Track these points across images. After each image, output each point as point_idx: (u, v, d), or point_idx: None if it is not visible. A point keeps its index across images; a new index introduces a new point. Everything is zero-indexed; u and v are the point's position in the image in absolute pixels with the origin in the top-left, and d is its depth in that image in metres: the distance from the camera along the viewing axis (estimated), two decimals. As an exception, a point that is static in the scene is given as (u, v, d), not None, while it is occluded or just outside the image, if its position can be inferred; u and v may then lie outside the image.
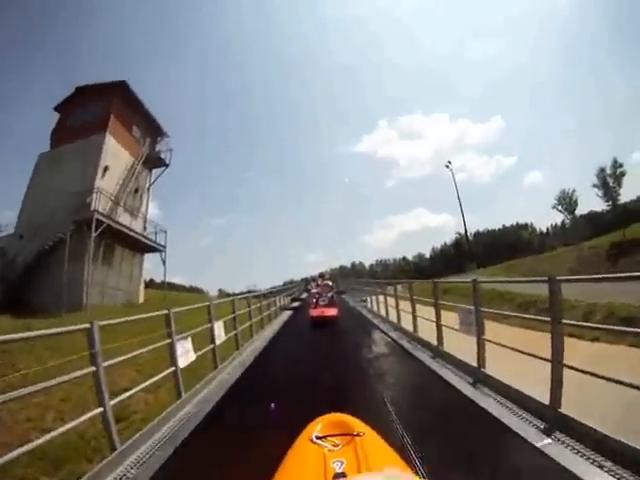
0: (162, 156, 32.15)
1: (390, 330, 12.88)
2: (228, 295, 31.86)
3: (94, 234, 22.02)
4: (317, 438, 2.19)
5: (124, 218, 26.69)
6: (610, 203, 60.58)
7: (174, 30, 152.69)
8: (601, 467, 3.44)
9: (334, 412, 2.69)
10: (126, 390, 5.79)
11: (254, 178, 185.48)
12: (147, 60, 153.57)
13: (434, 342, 8.77)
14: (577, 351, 6.65)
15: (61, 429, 4.05)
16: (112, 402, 4.73)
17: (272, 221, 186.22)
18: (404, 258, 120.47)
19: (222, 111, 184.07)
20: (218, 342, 8.76)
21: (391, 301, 14.69)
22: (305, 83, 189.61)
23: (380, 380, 7.43)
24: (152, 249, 30.08)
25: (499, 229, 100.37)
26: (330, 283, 22.03)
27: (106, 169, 25.45)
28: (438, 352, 8.41)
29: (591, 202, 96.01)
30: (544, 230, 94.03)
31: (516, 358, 5.61)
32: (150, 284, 40.48)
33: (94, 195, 23.31)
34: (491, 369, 6.28)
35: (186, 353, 6.94)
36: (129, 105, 28.86)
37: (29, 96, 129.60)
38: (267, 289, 24.10)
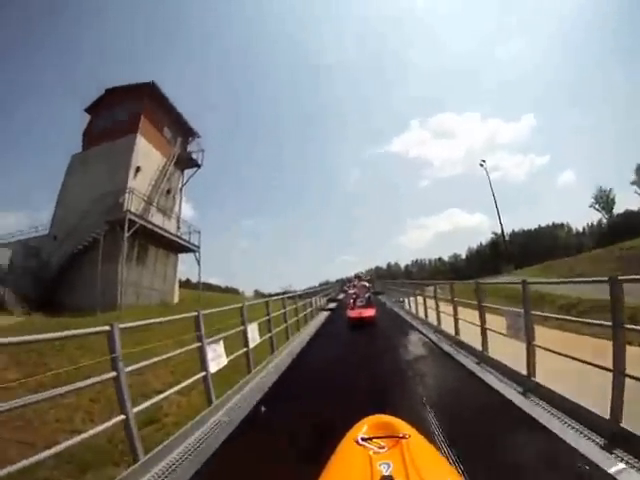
0: (194, 156, 32.52)
1: (430, 332, 12.42)
2: (264, 296, 31.79)
3: (127, 234, 22.17)
4: (362, 440, 2.11)
5: (157, 218, 27.00)
6: None
7: (200, 31, 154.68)
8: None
9: (378, 413, 2.58)
10: (159, 392, 5.66)
11: (288, 179, 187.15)
12: (175, 61, 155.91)
13: (477, 346, 8.33)
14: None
15: (84, 435, 3.79)
16: (138, 408, 4.48)
17: (307, 222, 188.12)
18: (440, 259, 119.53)
19: (254, 113, 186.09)
20: (252, 345, 8.41)
21: (430, 302, 14.29)
22: (334, 83, 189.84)
23: (421, 382, 7.10)
24: (186, 249, 30.41)
25: (535, 229, 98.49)
26: (367, 284, 21.67)
27: (138, 169, 25.76)
28: (482, 357, 7.96)
29: (629, 201, 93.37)
30: (580, 230, 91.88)
31: (563, 364, 5.28)
32: (186, 284, 40.82)
33: (126, 195, 23.50)
34: (541, 376, 5.83)
35: (218, 357, 6.61)
36: (159, 106, 29.19)
37: (58, 97, 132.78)
38: (303, 290, 23.70)
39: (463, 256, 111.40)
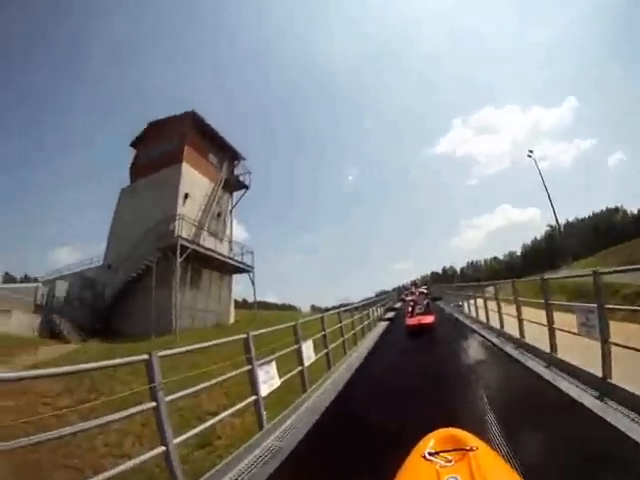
0: (241, 179, 32.97)
1: (492, 336, 11.82)
2: (321, 310, 31.67)
3: (179, 259, 22.41)
4: (429, 455, 2.03)
5: (209, 242, 27.41)
6: None
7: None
8: None
9: (444, 427, 2.47)
10: (212, 414, 5.77)
11: (336, 192, 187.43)
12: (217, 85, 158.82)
13: (545, 349, 7.69)
14: None
15: (129, 463, 3.61)
16: (180, 438, 4.17)
17: (360, 232, 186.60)
18: (495, 258, 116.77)
19: (304, 124, 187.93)
20: (307, 363, 7.99)
21: (490, 304, 13.60)
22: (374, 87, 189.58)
23: (485, 390, 6.54)
24: (240, 270, 30.65)
25: (589, 217, 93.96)
26: (425, 290, 21.16)
27: (186, 196, 26.33)
28: (552, 360, 7.32)
29: None
30: (635, 213, 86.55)
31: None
32: (243, 305, 40.93)
33: (177, 222, 23.92)
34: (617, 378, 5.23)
35: (270, 379, 6.26)
36: (202, 133, 29.69)
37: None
38: (359, 301, 23.37)
39: (518, 253, 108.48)
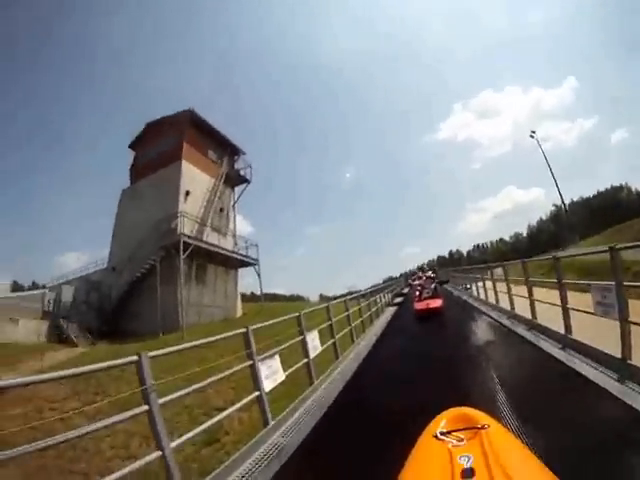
0: (242, 173, 32.94)
1: (502, 318, 11.45)
2: (329, 299, 31.45)
3: (183, 256, 22.38)
4: (441, 434, 2.06)
5: (212, 237, 27.43)
6: None
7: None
8: None
9: (456, 406, 2.49)
10: (219, 410, 5.39)
11: (338, 183, 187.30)
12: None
13: (559, 330, 7.34)
14: None
15: (124, 470, 3.31)
16: (177, 442, 3.96)
17: (365, 221, 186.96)
18: (501, 239, 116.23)
19: (307, 116, 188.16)
20: (313, 355, 7.67)
21: (499, 286, 13.30)
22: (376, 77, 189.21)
23: (499, 375, 6.16)
24: (245, 264, 30.63)
25: (594, 195, 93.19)
26: (432, 274, 20.96)
27: (187, 193, 26.32)
28: (566, 341, 6.96)
29: None
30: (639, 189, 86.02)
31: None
32: (251, 298, 40.87)
33: (178, 219, 23.86)
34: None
35: (273, 374, 5.95)
36: (200, 130, 29.59)
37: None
38: (367, 288, 23.21)
39: (524, 234, 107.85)
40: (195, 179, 27.57)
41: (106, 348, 19.59)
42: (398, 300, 26.38)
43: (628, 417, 3.93)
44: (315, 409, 6.35)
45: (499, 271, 14.19)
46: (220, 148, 31.70)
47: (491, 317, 12.37)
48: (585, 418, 4.07)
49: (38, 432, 6.26)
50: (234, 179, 32.33)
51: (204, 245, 25.10)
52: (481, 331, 10.63)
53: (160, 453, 3.65)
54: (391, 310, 21.61)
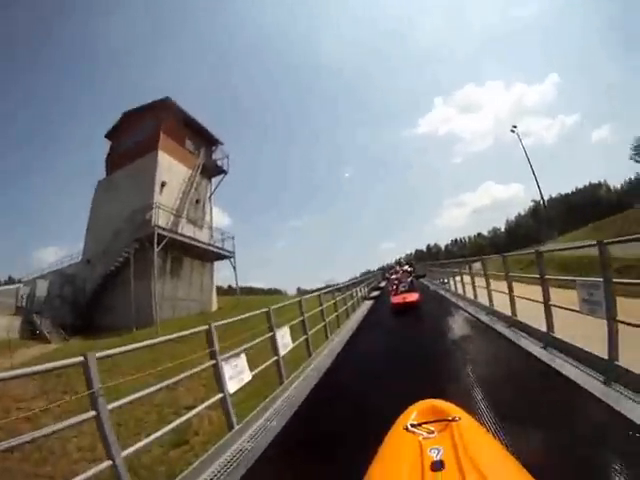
0: (219, 164, 32.37)
1: (481, 314, 11.11)
2: (307, 292, 31.10)
3: (157, 249, 21.93)
4: (412, 426, 2.01)
5: (188, 229, 26.87)
6: None
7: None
8: None
9: (427, 398, 2.45)
10: (188, 409, 5.09)
11: (321, 176, 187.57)
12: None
13: (540, 327, 7.02)
14: None
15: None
16: (129, 450, 3.59)
17: (343, 215, 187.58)
18: (479, 234, 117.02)
19: (287, 113, 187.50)
20: (283, 352, 7.27)
21: (478, 281, 13.07)
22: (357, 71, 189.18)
23: (478, 378, 5.78)
24: (221, 256, 30.14)
25: (572, 192, 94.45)
26: (409, 268, 20.83)
27: (163, 184, 25.80)
28: (548, 340, 6.64)
29: None
30: (618, 187, 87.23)
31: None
32: (227, 291, 40.48)
33: (153, 211, 23.36)
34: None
35: (239, 374, 5.54)
36: (177, 120, 28.97)
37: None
38: (344, 282, 23.07)
39: (502, 229, 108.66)
40: (171, 170, 26.98)
41: (80, 344, 19.16)
42: (375, 294, 26.32)
43: (612, 422, 3.69)
44: (285, 409, 6.02)
45: (477, 265, 13.94)
46: (197, 138, 31.15)
47: (469, 313, 12.08)
48: (564, 421, 3.85)
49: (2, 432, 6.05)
50: (211, 170, 31.77)
51: (179, 237, 24.62)
52: (458, 327, 10.35)
53: (110, 462, 3.29)
54: (368, 304, 21.49)
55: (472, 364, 6.60)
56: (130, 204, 24.20)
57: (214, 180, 32.86)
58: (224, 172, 32.45)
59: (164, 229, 23.21)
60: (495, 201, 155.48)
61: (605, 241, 4.74)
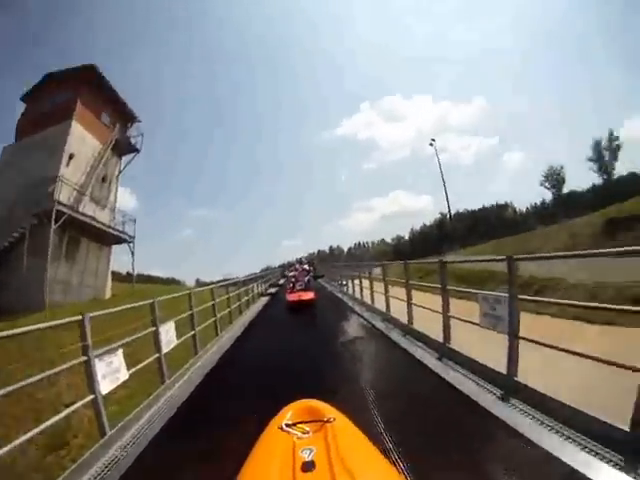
0: (133, 142, 30.21)
1: (377, 320, 10.82)
2: (205, 284, 30.23)
3: (54, 226, 20.18)
4: (287, 426, 2.05)
5: (89, 208, 24.80)
6: (605, 177, 59.70)
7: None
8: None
9: (304, 398, 2.52)
10: (67, 406, 4.34)
11: (234, 167, 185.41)
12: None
13: (437, 338, 6.83)
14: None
15: None
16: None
17: (251, 210, 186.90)
18: (382, 240, 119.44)
19: (202, 103, 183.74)
20: (167, 349, 6.65)
21: (377, 286, 12.87)
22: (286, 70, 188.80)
23: (369, 386, 5.49)
24: (120, 240, 28.17)
25: (479, 209, 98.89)
26: (307, 267, 20.86)
27: (71, 157, 23.74)
28: (444, 351, 6.46)
29: (573, 180, 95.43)
30: (523, 210, 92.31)
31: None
32: (126, 277, 39.03)
33: (57, 184, 21.40)
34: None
35: (114, 372, 4.87)
36: (99, 90, 26.87)
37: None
38: (244, 276, 22.76)
39: (407, 237, 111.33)
40: (83, 142, 24.85)
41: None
42: (273, 290, 26.14)
43: (508, 442, 3.53)
44: (165, 410, 5.49)
45: (377, 271, 14.03)
46: (115, 112, 28.93)
47: (364, 318, 11.76)
48: (454, 440, 3.63)
49: None
50: (123, 147, 29.51)
51: (80, 216, 22.75)
52: (352, 331, 10.03)
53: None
54: (264, 300, 21.27)
55: (358, 368, 6.57)
56: (34, 175, 21.98)
57: (125, 159, 30.72)
58: (137, 150, 30.37)
59: (65, 205, 21.40)
60: (404, 210, 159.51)
61: (515, 257, 4.66)
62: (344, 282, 22.11)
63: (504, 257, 4.72)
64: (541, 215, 73.20)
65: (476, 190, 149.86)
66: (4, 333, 3.52)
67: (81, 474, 3.79)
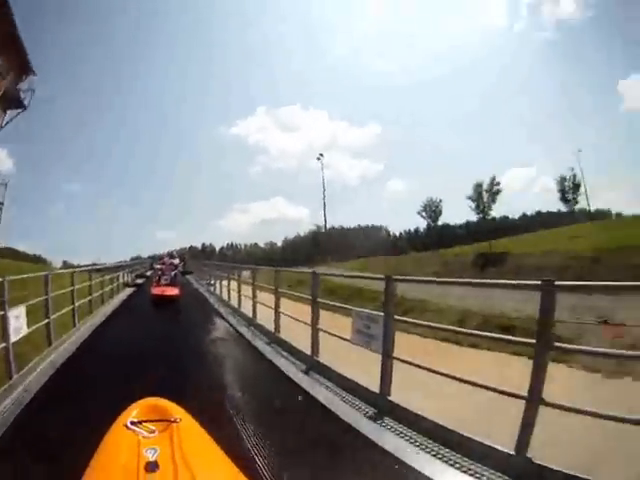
0: (22, 96, 26.74)
1: (241, 325, 10.52)
2: (73, 267, 28.10)
3: None
4: (132, 424, 1.91)
5: None
6: (481, 215, 63.89)
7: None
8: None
9: (152, 396, 2.38)
10: None
11: (117, 148, 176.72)
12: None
13: (305, 350, 6.62)
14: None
15: None
16: None
17: (128, 194, 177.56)
18: (255, 244, 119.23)
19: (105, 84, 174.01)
20: (15, 338, 5.74)
21: (245, 290, 12.54)
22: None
23: (229, 401, 5.10)
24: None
25: (354, 227, 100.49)
26: (175, 262, 20.27)
27: None
28: (312, 365, 6.26)
29: (449, 214, 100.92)
30: (397, 234, 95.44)
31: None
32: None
33: None
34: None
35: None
36: (3, 32, 23.33)
37: None
38: (112, 264, 21.76)
39: (279, 244, 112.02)
40: None
41: None
42: (139, 281, 25.15)
43: (375, 460, 3.41)
44: (14, 407, 4.72)
45: (246, 274, 13.81)
46: (11, 59, 24.91)
47: (228, 321, 11.42)
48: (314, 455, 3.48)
49: None
50: (10, 100, 25.94)
51: None
52: (214, 338, 9.47)
53: None
54: (129, 291, 20.66)
55: (219, 377, 6.24)
56: None
57: (9, 113, 26.99)
58: (24, 107, 27.02)
59: None
60: (283, 217, 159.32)
61: (394, 277, 4.63)
62: (212, 281, 21.89)
63: (383, 277, 4.69)
64: (414, 242, 77.64)
65: (355, 210, 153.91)
66: None
67: None
